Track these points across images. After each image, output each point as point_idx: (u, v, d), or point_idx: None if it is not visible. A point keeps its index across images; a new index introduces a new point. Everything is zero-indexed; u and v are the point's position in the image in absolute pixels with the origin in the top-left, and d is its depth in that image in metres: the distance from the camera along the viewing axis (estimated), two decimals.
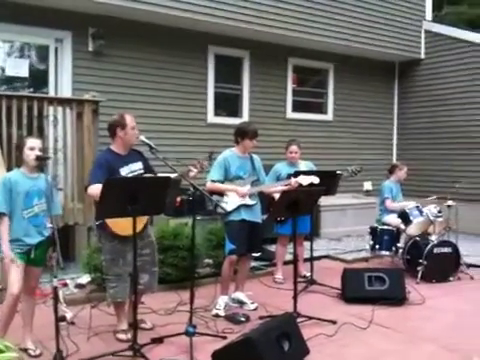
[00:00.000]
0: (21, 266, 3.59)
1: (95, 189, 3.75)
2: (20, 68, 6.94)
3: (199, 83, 8.32)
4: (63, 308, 4.41)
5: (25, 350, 3.68)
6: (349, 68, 10.04)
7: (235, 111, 8.83)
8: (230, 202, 4.67)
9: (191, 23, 7.74)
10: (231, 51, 8.63)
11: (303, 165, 6.03)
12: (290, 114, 9.39)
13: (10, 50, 7.05)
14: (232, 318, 4.52)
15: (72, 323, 4.27)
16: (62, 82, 7.15)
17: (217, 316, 4.60)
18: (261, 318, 4.48)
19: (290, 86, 9.39)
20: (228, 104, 8.85)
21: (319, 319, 4.44)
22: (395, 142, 10.95)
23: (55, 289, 3.39)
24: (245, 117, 8.69)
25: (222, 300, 4.76)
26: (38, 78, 7.14)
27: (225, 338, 3.96)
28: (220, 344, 3.60)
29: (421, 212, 6.20)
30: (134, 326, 3.69)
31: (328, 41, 9.03)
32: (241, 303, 4.93)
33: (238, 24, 7.95)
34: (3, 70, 6.92)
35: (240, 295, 4.98)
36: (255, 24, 8.09)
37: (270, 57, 8.99)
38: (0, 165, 5.15)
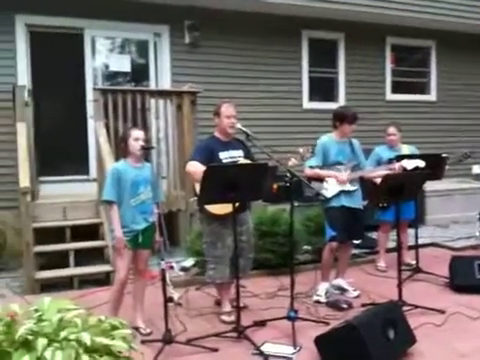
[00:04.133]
0: (129, 253, 3.79)
1: (193, 166, 3.98)
2: (122, 63, 7.33)
3: (293, 68, 8.26)
4: (170, 289, 4.61)
5: (136, 328, 3.89)
6: (453, 45, 9.39)
7: (331, 95, 8.66)
8: (330, 188, 4.59)
9: (283, 8, 7.67)
10: (325, 34, 8.46)
11: (405, 149, 5.74)
12: (390, 96, 9.03)
13: (112, 46, 7.45)
14: (334, 305, 4.47)
15: (179, 304, 4.44)
16: (162, 75, 7.44)
17: (318, 302, 4.56)
18: (364, 306, 4.36)
19: (389, 66, 9.02)
20: (323, 88, 8.69)
21: (426, 308, 4.23)
22: None
23: (163, 271, 3.56)
24: (341, 101, 8.50)
25: (323, 287, 4.71)
26: (139, 72, 7.49)
27: (327, 324, 3.92)
28: (322, 330, 3.56)
29: None
30: (237, 308, 3.78)
31: (428, 17, 8.51)
32: (342, 290, 4.85)
33: (331, 6, 7.76)
34: (107, 66, 7.34)
35: (341, 282, 4.90)
36: (349, 4, 7.84)
37: (366, 37, 8.67)
38: (109, 156, 5.47)
